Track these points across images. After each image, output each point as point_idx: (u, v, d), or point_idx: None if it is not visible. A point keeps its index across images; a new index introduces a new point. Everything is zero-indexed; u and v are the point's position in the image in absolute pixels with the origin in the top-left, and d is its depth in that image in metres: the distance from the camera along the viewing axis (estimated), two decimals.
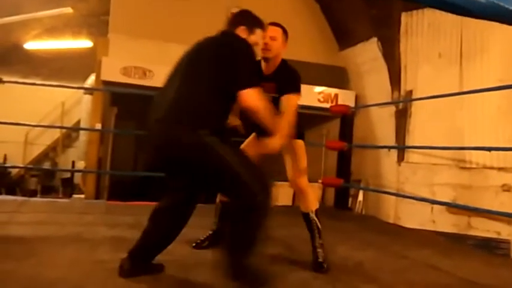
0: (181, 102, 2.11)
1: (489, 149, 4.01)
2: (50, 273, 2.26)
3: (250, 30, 2.38)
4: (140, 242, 2.26)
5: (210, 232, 3.00)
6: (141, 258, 2.27)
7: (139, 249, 2.26)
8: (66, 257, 2.59)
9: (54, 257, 2.57)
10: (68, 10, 7.49)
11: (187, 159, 2.10)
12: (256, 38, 2.39)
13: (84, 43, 8.84)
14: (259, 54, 2.59)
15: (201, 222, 3.43)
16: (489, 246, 4.31)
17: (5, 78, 4.63)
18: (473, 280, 2.72)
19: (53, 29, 8.59)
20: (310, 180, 6.32)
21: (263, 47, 2.60)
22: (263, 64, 2.72)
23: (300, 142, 2.79)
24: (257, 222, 2.04)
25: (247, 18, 2.42)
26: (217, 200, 3.00)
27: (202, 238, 2.98)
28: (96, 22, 7.90)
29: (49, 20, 8.18)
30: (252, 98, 2.11)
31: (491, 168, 4.53)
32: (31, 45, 9.10)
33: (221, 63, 2.14)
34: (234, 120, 2.80)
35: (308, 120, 7.18)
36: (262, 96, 2.19)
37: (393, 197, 5.14)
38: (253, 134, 2.94)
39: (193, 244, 2.93)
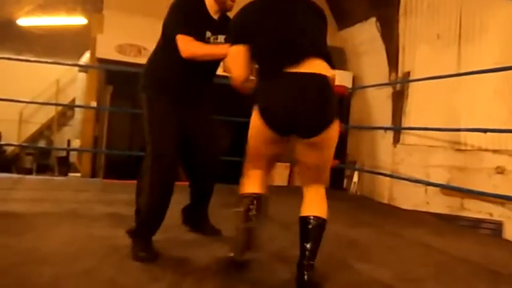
0: None
1: (485, 131, 4.03)
2: (48, 247, 2.28)
3: None
4: None
5: None
6: None
7: None
8: (63, 232, 2.60)
9: (51, 232, 2.58)
10: None
11: None
12: None
13: (78, 20, 8.68)
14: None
15: None
16: (481, 226, 4.37)
17: None
18: (465, 258, 2.77)
19: (47, 4, 8.42)
20: None
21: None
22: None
23: None
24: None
25: None
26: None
27: None
28: None
29: None
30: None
31: (486, 150, 4.56)
32: (24, 21, 8.93)
33: None
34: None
35: None
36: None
37: (388, 178, 5.18)
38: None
39: None
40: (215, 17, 2.46)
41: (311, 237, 1.94)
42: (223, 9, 2.47)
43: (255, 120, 1.99)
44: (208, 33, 2.40)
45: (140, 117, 2.45)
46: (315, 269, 1.94)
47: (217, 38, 2.44)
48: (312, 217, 1.96)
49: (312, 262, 1.92)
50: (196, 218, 2.75)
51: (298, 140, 1.97)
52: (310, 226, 1.95)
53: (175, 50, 2.30)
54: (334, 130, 1.97)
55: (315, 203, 2.03)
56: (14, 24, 8.93)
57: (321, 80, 1.93)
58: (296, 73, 1.91)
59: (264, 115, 1.94)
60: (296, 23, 2.03)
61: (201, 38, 2.36)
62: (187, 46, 2.29)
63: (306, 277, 1.89)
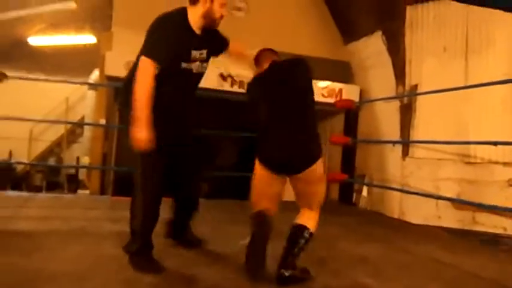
0: None
1: (495, 143, 3.99)
2: (55, 267, 2.27)
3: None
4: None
5: None
6: None
7: None
8: (71, 251, 2.60)
9: (59, 251, 2.58)
10: (72, 5, 7.48)
11: None
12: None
13: (88, 38, 8.84)
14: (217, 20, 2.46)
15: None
16: (494, 241, 4.29)
17: (9, 74, 4.63)
18: (478, 274, 2.71)
19: (57, 23, 8.59)
20: None
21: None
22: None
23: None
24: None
25: None
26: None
27: None
28: (100, 16, 7.88)
29: (53, 15, 8.19)
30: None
31: (497, 163, 4.51)
32: (35, 40, 9.12)
33: None
34: None
35: None
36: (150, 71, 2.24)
37: (398, 192, 5.12)
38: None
39: None
40: (198, 32, 2.43)
41: (291, 240, 2.28)
42: (210, 26, 2.45)
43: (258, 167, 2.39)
44: (193, 53, 2.39)
45: None
46: (297, 269, 2.24)
47: (202, 53, 2.46)
48: (297, 225, 2.32)
49: (290, 261, 2.23)
50: (180, 231, 2.77)
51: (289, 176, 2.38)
52: (294, 231, 2.31)
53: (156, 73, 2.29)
54: (314, 168, 2.36)
55: (304, 217, 2.36)
56: (25, 43, 9.11)
57: (304, 128, 2.39)
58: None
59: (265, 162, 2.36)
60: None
61: (186, 57, 2.36)
62: (143, 77, 2.23)
63: (284, 274, 2.20)
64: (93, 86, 7.90)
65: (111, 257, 2.50)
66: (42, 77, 8.34)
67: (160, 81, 2.29)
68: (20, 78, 5.31)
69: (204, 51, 2.46)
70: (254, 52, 2.62)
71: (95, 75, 7.98)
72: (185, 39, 2.37)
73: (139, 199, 2.36)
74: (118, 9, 5.95)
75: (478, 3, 4.79)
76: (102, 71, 5.81)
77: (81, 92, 10.15)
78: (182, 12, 2.40)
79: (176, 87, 2.42)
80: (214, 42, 2.55)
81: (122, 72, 5.50)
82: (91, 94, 8.55)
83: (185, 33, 2.37)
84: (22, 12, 7.51)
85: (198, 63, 2.44)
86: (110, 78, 5.67)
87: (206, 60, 2.51)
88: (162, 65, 2.26)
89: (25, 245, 2.64)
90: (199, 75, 2.51)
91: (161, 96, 2.33)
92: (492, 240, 4.28)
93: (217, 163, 8.58)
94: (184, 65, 2.37)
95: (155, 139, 2.25)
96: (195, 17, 2.39)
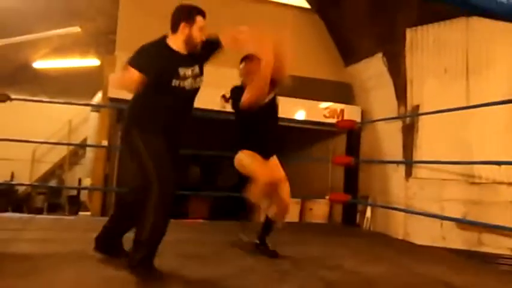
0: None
1: (499, 163, 3.97)
2: None
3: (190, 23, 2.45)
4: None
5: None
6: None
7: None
8: (71, 274, 2.56)
9: (59, 274, 2.54)
10: (76, 29, 7.60)
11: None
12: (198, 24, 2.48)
13: (91, 61, 8.95)
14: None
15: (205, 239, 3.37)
16: (501, 262, 4.22)
17: (13, 96, 4.67)
18: None
19: (62, 48, 8.70)
20: (318, 197, 6.23)
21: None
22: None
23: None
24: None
25: (183, 12, 2.49)
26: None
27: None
28: (104, 41, 8.00)
29: (58, 39, 8.30)
30: None
31: (501, 183, 4.47)
32: (39, 64, 9.23)
33: None
34: None
35: (314, 136, 7.19)
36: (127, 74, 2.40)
37: (402, 213, 5.07)
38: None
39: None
40: (185, 52, 2.51)
41: None
42: (192, 51, 2.52)
43: None
44: (181, 70, 2.45)
45: None
46: None
47: (194, 69, 2.52)
48: None
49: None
50: (114, 244, 2.82)
51: None
52: None
53: (152, 92, 2.42)
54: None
55: None
56: (30, 67, 9.22)
57: None
58: None
59: None
60: None
61: (175, 74, 2.43)
62: (121, 77, 2.50)
63: None
64: (95, 108, 7.93)
65: (111, 279, 2.46)
66: (46, 99, 8.39)
67: (156, 98, 2.43)
68: (24, 100, 5.34)
69: (196, 66, 2.53)
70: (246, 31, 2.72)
71: (97, 98, 8.03)
72: (169, 58, 2.45)
73: (152, 212, 2.35)
74: (121, 35, 6.06)
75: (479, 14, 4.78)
76: (105, 94, 5.86)
77: (84, 114, 10.21)
78: (163, 38, 2.54)
79: (172, 105, 2.49)
80: (203, 53, 2.60)
81: (125, 95, 5.56)
82: (94, 116, 8.57)
83: (168, 53, 2.46)
84: (28, 37, 7.62)
85: (190, 79, 2.50)
86: (113, 100, 5.71)
87: (200, 74, 2.57)
88: (144, 72, 2.36)
89: (23, 268, 2.60)
90: (195, 91, 2.57)
91: (157, 114, 2.47)
92: (499, 261, 4.21)
93: (218, 184, 8.55)
94: (175, 82, 2.44)
95: (164, 150, 2.42)
96: (176, 44, 2.49)
